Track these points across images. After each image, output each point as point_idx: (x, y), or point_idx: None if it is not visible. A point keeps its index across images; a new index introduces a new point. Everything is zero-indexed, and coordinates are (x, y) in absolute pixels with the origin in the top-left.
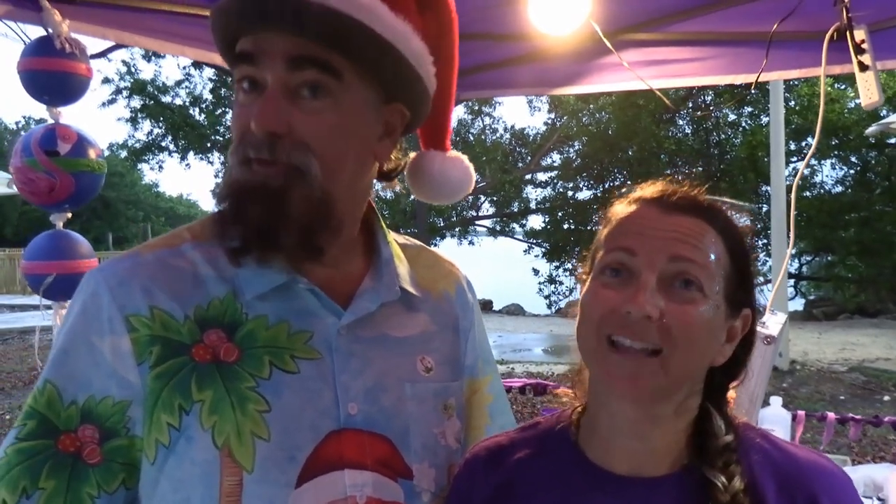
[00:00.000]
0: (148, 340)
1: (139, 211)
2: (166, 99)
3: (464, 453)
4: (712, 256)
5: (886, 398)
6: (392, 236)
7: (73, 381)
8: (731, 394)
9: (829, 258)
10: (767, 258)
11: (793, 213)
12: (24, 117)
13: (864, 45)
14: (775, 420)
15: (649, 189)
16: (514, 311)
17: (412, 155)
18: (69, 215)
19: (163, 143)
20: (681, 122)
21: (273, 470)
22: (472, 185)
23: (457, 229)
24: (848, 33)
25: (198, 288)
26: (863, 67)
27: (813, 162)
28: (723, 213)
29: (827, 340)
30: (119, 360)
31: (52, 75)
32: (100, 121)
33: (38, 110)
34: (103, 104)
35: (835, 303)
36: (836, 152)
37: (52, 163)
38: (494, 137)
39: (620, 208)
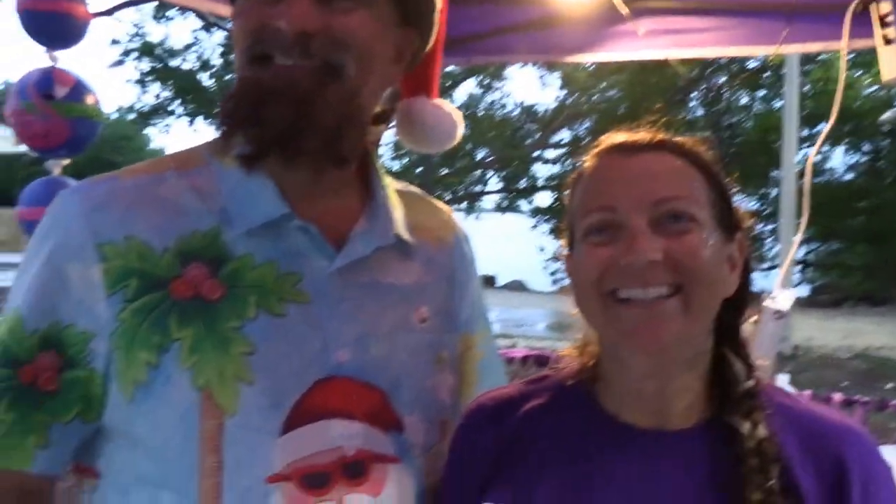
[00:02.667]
0: (122, 272)
1: None
2: (175, 62)
3: (457, 410)
4: (692, 184)
5: (889, 385)
6: (389, 180)
7: (39, 308)
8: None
9: (835, 245)
10: (775, 243)
11: (806, 198)
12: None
13: (890, 19)
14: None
15: (607, 140)
16: (518, 287)
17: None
18: (65, 162)
19: (170, 107)
20: (692, 104)
21: (256, 416)
22: (461, 133)
23: (463, 204)
24: (872, 5)
25: (180, 218)
26: (887, 41)
27: (825, 147)
28: (685, 143)
29: (831, 327)
30: (87, 290)
31: (49, 16)
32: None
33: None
34: (111, 65)
35: (840, 290)
36: (848, 139)
37: (48, 106)
38: (504, 113)
39: (585, 168)
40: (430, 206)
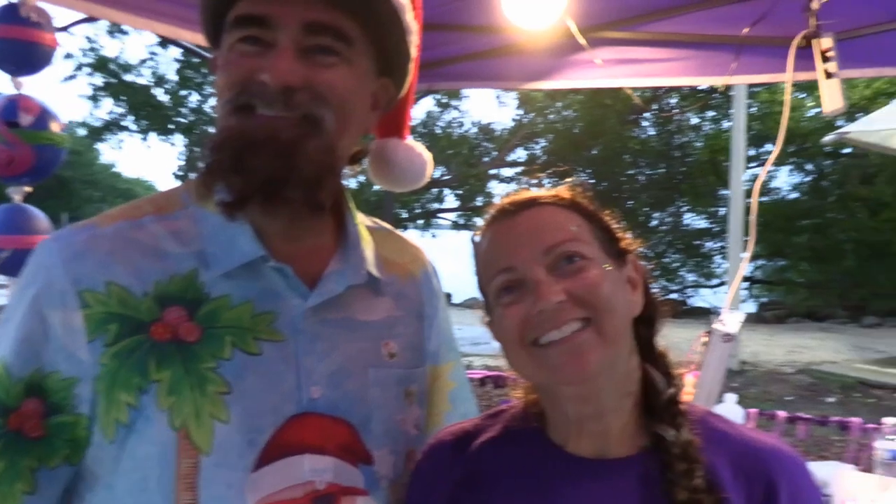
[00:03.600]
0: (103, 318)
1: (96, 191)
2: (129, 77)
3: (423, 441)
4: (573, 227)
5: (831, 399)
6: (360, 218)
7: (22, 356)
8: (689, 382)
9: (781, 262)
10: (723, 260)
11: (754, 217)
12: None
13: (830, 54)
14: (729, 416)
15: (489, 212)
16: (474, 304)
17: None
18: (28, 189)
19: (123, 123)
20: (645, 124)
21: (231, 453)
22: (430, 174)
23: (420, 221)
24: (815, 41)
25: (158, 263)
26: (828, 75)
27: (770, 168)
28: (560, 193)
29: (777, 342)
30: (69, 336)
31: (16, 44)
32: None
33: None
34: (64, 79)
35: (785, 306)
36: (792, 159)
37: (13, 134)
38: (461, 131)
39: (480, 239)
40: (400, 241)
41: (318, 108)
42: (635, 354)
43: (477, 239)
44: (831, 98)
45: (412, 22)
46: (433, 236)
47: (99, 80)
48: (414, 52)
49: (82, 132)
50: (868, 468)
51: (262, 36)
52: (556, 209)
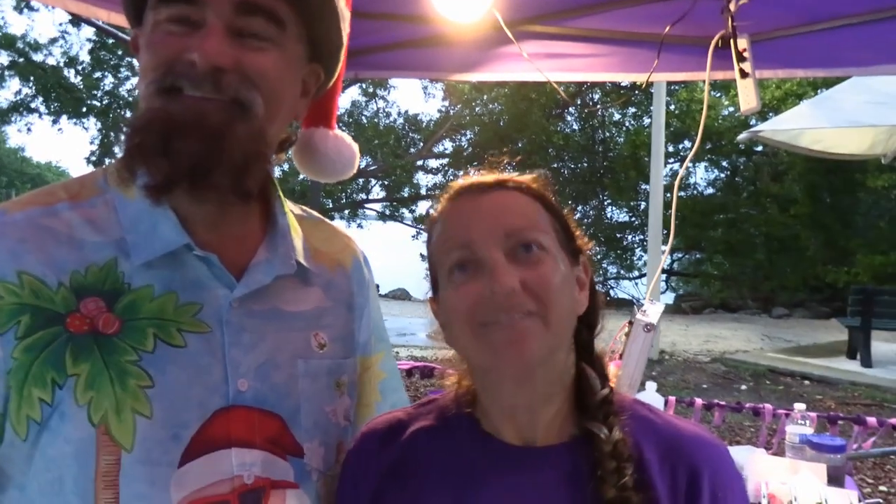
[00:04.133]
0: (15, 309)
1: (2, 176)
2: (38, 57)
3: (353, 431)
4: (536, 216)
5: (743, 387)
6: (289, 206)
7: None
8: (612, 371)
9: (698, 256)
10: (644, 253)
11: (674, 211)
12: None
13: (746, 54)
14: (650, 403)
15: (456, 185)
16: (401, 295)
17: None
18: None
19: (32, 105)
20: (569, 119)
21: (155, 449)
22: (358, 164)
23: (346, 212)
24: (732, 41)
25: (74, 252)
26: (743, 74)
27: (688, 164)
28: (525, 180)
29: (693, 333)
30: None
31: None
32: None
33: None
34: None
35: (701, 298)
36: (709, 156)
37: None
38: (388, 121)
39: (439, 212)
40: (330, 230)
41: (247, 91)
42: (573, 352)
43: (434, 213)
44: (747, 97)
45: (344, 8)
46: (360, 227)
47: (5, 58)
48: (345, 39)
49: None
50: (779, 452)
51: (190, 14)
52: (521, 195)
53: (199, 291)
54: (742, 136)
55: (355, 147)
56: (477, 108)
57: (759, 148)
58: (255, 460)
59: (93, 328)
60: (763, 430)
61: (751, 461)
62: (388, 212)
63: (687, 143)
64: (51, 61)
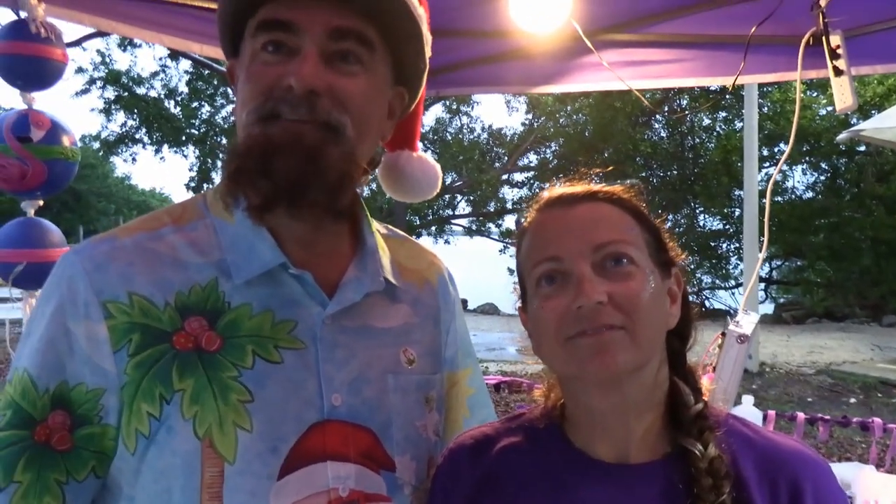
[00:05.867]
0: (126, 328)
1: (111, 204)
2: (141, 90)
3: (442, 447)
4: (627, 229)
5: (852, 400)
6: (375, 226)
7: (47, 368)
8: (705, 384)
9: (798, 263)
10: (739, 262)
11: (767, 217)
12: None
13: (840, 51)
14: (746, 418)
15: (544, 196)
16: (489, 310)
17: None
18: (41, 203)
19: (137, 136)
20: (656, 126)
21: (255, 461)
22: (441, 183)
23: (433, 228)
24: (824, 38)
25: (178, 273)
26: (838, 72)
27: (784, 167)
28: (617, 192)
29: (795, 343)
30: (94, 348)
31: (26, 60)
32: (72, 111)
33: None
34: (76, 94)
35: (803, 306)
36: (807, 158)
37: (25, 149)
38: (472, 137)
39: (528, 223)
40: (416, 248)
41: (339, 115)
42: (665, 366)
43: (523, 223)
44: (842, 96)
45: (427, 32)
46: (446, 242)
47: (111, 93)
48: (427, 62)
49: (96, 146)
50: (892, 469)
51: (286, 41)
52: (612, 207)
53: (293, 309)
54: (842, 136)
55: (438, 167)
56: (561, 120)
57: (862, 147)
58: (350, 473)
59: (197, 346)
60: (873, 446)
61: (859, 478)
62: (474, 227)
63: (783, 146)
64: (152, 94)
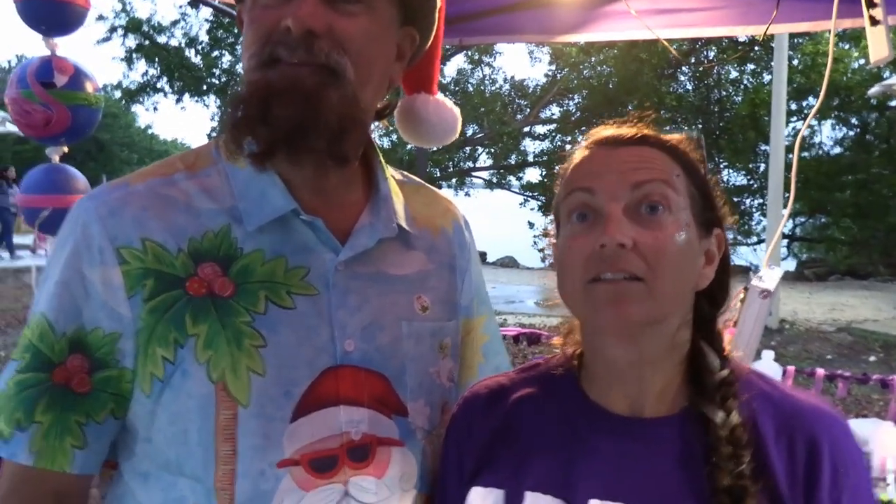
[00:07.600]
0: (140, 273)
1: (133, 153)
2: (162, 39)
3: (457, 393)
4: (671, 174)
5: (872, 358)
6: (390, 171)
7: (64, 311)
8: (726, 339)
9: (822, 219)
10: (763, 218)
11: (794, 173)
12: (17, 56)
13: (877, 0)
14: (766, 373)
15: (597, 132)
16: (509, 263)
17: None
18: (65, 149)
19: (158, 85)
20: (682, 78)
21: (268, 405)
22: (460, 129)
23: (453, 180)
24: None
25: (191, 219)
26: (874, 22)
27: (813, 122)
28: (670, 139)
29: (817, 301)
30: (110, 293)
31: (49, 4)
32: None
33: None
34: (98, 42)
35: (826, 264)
36: (836, 113)
37: (49, 95)
38: (494, 88)
39: (573, 156)
40: (431, 194)
41: (337, 56)
42: (688, 327)
43: (571, 151)
44: (878, 47)
45: None
46: (467, 195)
47: (132, 42)
48: (440, 0)
49: (118, 95)
50: None
51: None
52: (662, 154)
53: (306, 255)
54: (874, 89)
55: (457, 111)
56: (585, 72)
57: (894, 102)
58: (363, 418)
59: (210, 291)
60: (892, 403)
61: (877, 434)
62: (495, 180)
63: (812, 101)
64: (173, 42)
